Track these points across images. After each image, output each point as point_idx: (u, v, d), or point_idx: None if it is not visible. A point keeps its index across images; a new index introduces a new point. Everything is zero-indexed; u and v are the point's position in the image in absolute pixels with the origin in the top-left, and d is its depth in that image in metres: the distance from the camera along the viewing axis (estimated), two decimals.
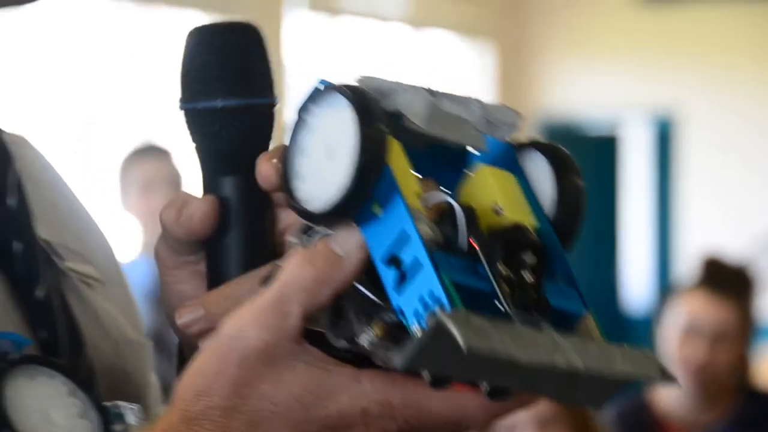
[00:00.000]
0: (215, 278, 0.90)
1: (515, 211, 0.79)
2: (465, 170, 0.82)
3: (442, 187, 0.81)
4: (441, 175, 0.81)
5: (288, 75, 8.83)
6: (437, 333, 0.69)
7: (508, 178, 0.82)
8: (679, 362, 4.04)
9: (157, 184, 5.15)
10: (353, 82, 0.79)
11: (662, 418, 4.16)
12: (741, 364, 4.22)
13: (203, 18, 8.38)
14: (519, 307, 0.73)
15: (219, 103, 0.90)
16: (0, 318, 0.92)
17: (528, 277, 0.74)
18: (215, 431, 0.78)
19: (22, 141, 1.08)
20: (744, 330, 4.21)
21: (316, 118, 0.77)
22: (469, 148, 0.84)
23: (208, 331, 0.87)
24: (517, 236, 0.75)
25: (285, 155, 0.79)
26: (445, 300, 0.71)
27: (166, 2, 8.57)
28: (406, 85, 0.79)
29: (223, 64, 0.90)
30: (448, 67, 10.29)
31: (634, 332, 9.90)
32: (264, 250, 0.92)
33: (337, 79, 0.78)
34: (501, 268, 0.74)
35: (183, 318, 0.89)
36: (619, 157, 10.69)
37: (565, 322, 0.76)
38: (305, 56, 9.18)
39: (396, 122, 0.78)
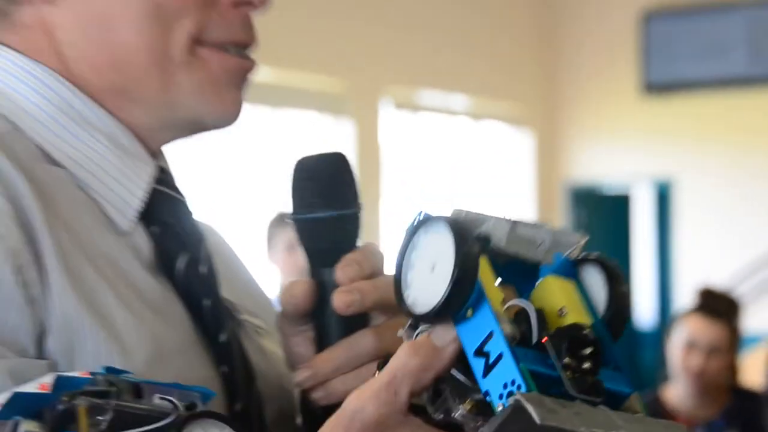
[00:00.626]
0: (320, 343, 0.95)
1: (576, 312, 0.81)
2: (537, 278, 0.83)
3: (518, 291, 0.83)
4: (519, 282, 0.83)
5: (383, 155, 9.07)
6: (517, 410, 0.72)
7: (570, 286, 0.83)
8: (682, 370, 4.08)
9: (298, 245, 4.73)
10: (449, 214, 0.81)
11: (672, 411, 4.08)
12: (731, 370, 4.21)
13: (319, 117, 8.77)
14: (580, 390, 0.75)
15: (318, 215, 0.96)
16: (193, 357, 0.97)
17: (587, 365, 0.77)
18: None
19: (209, 228, 1.14)
20: (732, 343, 4.19)
21: (423, 241, 0.79)
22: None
23: (316, 386, 0.95)
24: (577, 333, 0.77)
25: (397, 269, 0.81)
26: (523, 385, 0.73)
27: (290, 105, 8.60)
28: (491, 216, 0.82)
29: (319, 186, 0.97)
30: (499, 147, 10.38)
31: (643, 342, 10.03)
32: (354, 320, 0.96)
33: (436, 211, 0.81)
34: (565, 358, 0.76)
35: (298, 378, 0.96)
36: (630, 211, 10.76)
37: (615, 401, 0.79)
38: (396, 142, 9.28)
39: (483, 244, 0.81)
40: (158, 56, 0.98)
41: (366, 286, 0.95)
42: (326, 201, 0.95)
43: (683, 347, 4.03)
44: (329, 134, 8.68)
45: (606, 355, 0.78)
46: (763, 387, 3.89)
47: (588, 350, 0.76)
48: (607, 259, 0.84)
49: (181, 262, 0.99)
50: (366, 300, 0.94)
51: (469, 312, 0.76)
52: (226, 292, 1.03)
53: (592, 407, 0.74)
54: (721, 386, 4.08)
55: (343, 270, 0.94)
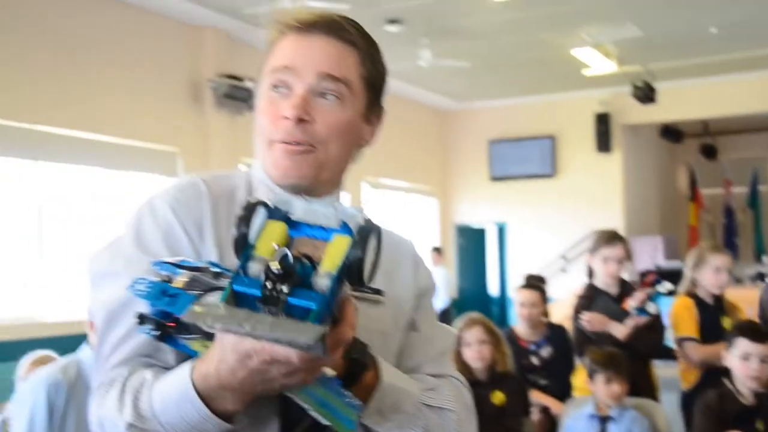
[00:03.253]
0: None
1: (329, 261, 0.78)
2: (332, 233, 0.81)
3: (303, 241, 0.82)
4: (319, 235, 0.81)
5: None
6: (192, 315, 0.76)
7: (343, 241, 0.79)
8: (521, 316, 4.00)
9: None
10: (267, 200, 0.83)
11: (517, 337, 3.98)
12: (544, 314, 4.12)
13: None
14: (264, 302, 0.74)
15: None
16: None
17: (280, 288, 0.74)
18: (227, 371, 0.85)
19: (401, 239, 1.22)
20: (544, 299, 4.13)
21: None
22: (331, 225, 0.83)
23: None
24: (284, 269, 0.74)
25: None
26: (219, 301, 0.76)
27: None
28: (297, 198, 0.82)
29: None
30: (421, 207, 11.45)
31: (492, 303, 11.63)
32: None
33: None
34: (267, 284, 0.74)
35: None
36: (485, 237, 12.05)
37: (303, 314, 0.74)
38: (371, 208, 9.75)
39: (282, 215, 0.81)
40: (261, 148, 1.11)
41: None
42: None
43: (519, 305, 4.04)
44: None
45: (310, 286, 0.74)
46: (573, 322, 3.71)
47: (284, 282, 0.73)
48: (367, 229, 0.79)
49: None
50: None
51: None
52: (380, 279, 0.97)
53: (265, 315, 0.73)
54: (541, 322, 4.05)
55: None
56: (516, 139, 11.37)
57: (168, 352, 0.99)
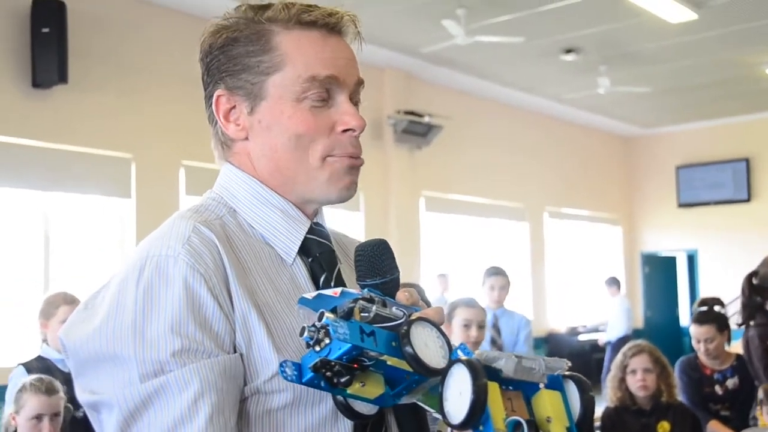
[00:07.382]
0: None
1: (558, 420, 0.76)
2: (538, 387, 0.78)
3: (525, 395, 0.77)
4: (525, 388, 0.78)
5: (546, 243, 9.73)
6: None
7: (557, 396, 0.78)
8: (698, 352, 3.90)
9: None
10: (473, 356, 0.76)
11: (702, 365, 3.90)
12: (727, 343, 3.97)
13: (508, 222, 9.22)
14: None
15: (377, 281, 0.90)
16: None
17: None
18: None
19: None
20: (722, 326, 3.91)
21: (454, 374, 0.74)
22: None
23: None
24: None
25: (440, 391, 0.75)
26: None
27: (495, 216, 8.91)
28: (503, 354, 0.77)
29: (374, 264, 0.91)
30: (605, 236, 11.19)
31: (684, 334, 10.78)
32: None
33: (461, 356, 0.77)
34: None
35: None
36: (676, 266, 11.75)
37: None
38: (552, 236, 9.87)
39: (497, 373, 0.76)
40: (302, 165, 0.98)
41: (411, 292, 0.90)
42: (378, 272, 0.91)
43: (695, 340, 3.91)
44: (514, 232, 9.49)
45: None
46: (744, 356, 3.69)
47: None
48: (579, 376, 0.79)
49: (320, 277, 0.99)
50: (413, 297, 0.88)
51: (482, 427, 0.71)
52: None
53: None
54: (726, 353, 3.93)
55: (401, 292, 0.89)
56: (706, 164, 10.94)
57: None
